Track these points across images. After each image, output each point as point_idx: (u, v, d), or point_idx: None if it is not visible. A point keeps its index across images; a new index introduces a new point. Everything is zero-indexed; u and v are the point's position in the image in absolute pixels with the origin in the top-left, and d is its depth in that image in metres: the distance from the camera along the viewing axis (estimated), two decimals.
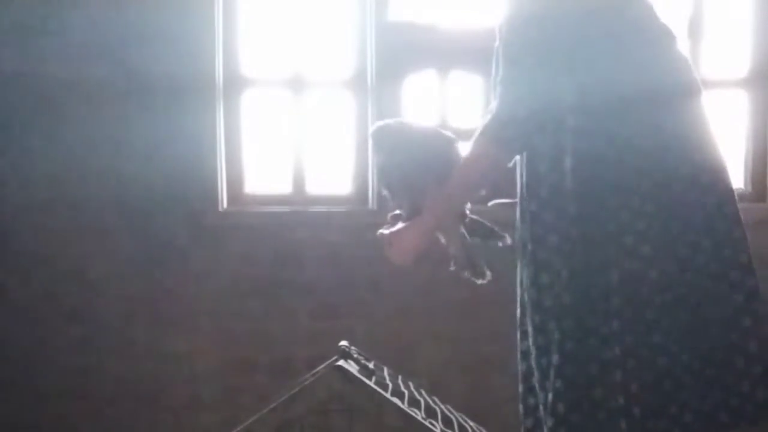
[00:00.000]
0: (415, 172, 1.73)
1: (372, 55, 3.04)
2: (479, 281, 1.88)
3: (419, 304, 3.04)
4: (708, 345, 1.57)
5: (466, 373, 3.05)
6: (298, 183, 3.11)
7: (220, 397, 2.99)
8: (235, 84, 3.05)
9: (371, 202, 3.07)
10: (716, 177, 1.65)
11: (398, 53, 3.05)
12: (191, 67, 2.92)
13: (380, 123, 1.86)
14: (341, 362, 1.54)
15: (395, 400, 1.51)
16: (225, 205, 3.05)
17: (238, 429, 1.51)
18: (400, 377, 1.94)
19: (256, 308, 3.01)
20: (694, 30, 3.08)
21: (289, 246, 3.01)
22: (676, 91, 1.64)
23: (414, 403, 1.64)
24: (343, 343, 1.90)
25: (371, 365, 1.76)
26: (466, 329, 3.06)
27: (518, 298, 1.80)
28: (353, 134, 3.11)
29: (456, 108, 3.16)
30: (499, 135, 1.61)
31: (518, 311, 1.80)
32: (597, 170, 1.58)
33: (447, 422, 1.70)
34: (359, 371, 1.56)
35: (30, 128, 2.92)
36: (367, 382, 1.50)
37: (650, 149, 1.57)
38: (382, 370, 1.87)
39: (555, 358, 1.59)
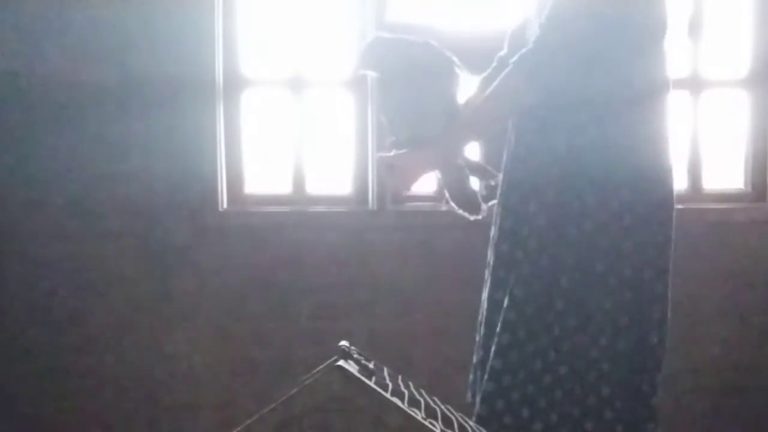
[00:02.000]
0: (415, 95, 1.67)
1: None
2: (473, 217, 1.84)
3: (419, 304, 3.05)
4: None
5: (466, 373, 3.05)
6: (298, 183, 3.11)
7: (220, 397, 2.99)
8: (235, 84, 3.05)
9: (371, 202, 3.07)
10: (659, 179, 1.69)
11: None
12: (191, 67, 2.92)
13: (375, 36, 1.76)
14: (341, 362, 1.54)
15: (395, 400, 1.51)
16: (225, 205, 3.05)
17: (238, 429, 1.50)
18: (400, 377, 1.94)
19: (256, 308, 3.01)
20: (694, 30, 3.08)
21: (289, 246, 3.02)
22: (649, 92, 1.66)
23: (414, 403, 1.64)
24: (343, 343, 1.89)
25: (371, 365, 1.76)
26: (466, 329, 3.06)
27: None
28: (353, 134, 3.11)
29: None
30: (534, 71, 1.57)
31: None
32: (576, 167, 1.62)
33: (447, 422, 1.70)
34: (359, 371, 1.56)
35: (30, 128, 2.92)
36: (367, 382, 1.50)
37: (624, 150, 1.62)
38: (382, 370, 1.87)
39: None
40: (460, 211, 1.81)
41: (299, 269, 3.02)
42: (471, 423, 1.85)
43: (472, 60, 3.15)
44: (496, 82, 1.61)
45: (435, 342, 3.05)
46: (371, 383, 1.51)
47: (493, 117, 1.64)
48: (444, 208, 1.78)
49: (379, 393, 1.48)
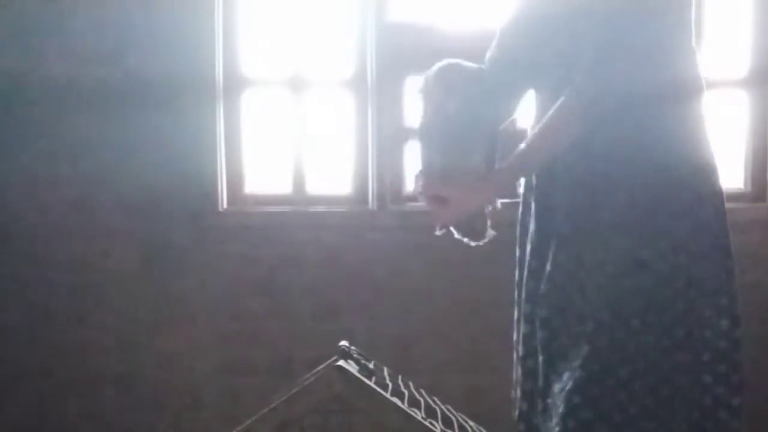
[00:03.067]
0: (465, 123, 1.59)
1: (372, 55, 3.04)
2: (474, 243, 1.75)
3: (419, 304, 3.05)
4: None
5: (466, 373, 3.05)
6: (298, 183, 3.11)
7: (220, 397, 2.99)
8: (235, 84, 3.05)
9: (371, 202, 3.07)
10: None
11: (398, 53, 3.05)
12: (191, 67, 2.92)
13: (446, 63, 1.68)
14: (341, 362, 1.54)
15: (395, 400, 1.51)
16: (225, 205, 3.05)
17: (238, 429, 1.51)
18: (400, 377, 1.94)
19: (256, 308, 3.01)
20: (695, 30, 3.07)
21: (289, 246, 3.01)
22: (691, 88, 1.62)
23: (414, 403, 1.64)
24: (343, 343, 1.90)
25: (371, 365, 1.76)
26: (466, 329, 3.07)
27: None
28: (353, 134, 3.11)
29: None
30: (588, 111, 1.50)
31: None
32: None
33: (447, 422, 1.71)
34: (359, 371, 1.56)
35: (30, 128, 2.92)
36: (367, 382, 1.50)
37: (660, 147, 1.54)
38: (382, 370, 1.87)
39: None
40: (459, 236, 1.72)
41: (299, 269, 3.02)
42: (471, 423, 1.85)
43: (472, 60, 3.16)
44: (550, 114, 1.53)
45: (435, 342, 3.05)
46: (371, 383, 1.51)
47: (549, 154, 1.56)
48: (438, 233, 1.69)
49: (379, 393, 1.49)
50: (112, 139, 2.93)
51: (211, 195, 2.98)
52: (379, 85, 3.03)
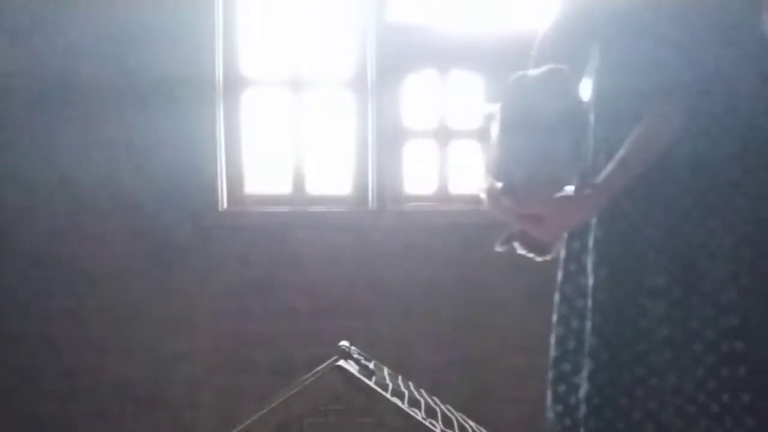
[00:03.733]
0: (550, 133, 1.44)
1: (372, 55, 3.04)
2: (541, 258, 1.60)
3: (419, 304, 3.05)
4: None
5: (466, 373, 3.06)
6: (298, 183, 3.11)
7: (220, 397, 2.99)
8: (235, 84, 3.05)
9: (371, 202, 3.07)
10: None
11: (398, 53, 3.05)
12: (191, 67, 2.92)
13: (522, 73, 1.52)
14: (341, 362, 1.54)
15: (395, 400, 1.51)
16: (225, 205, 3.05)
17: (238, 429, 1.51)
18: (400, 377, 1.94)
19: (256, 308, 3.01)
20: None
21: (289, 246, 3.02)
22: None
23: (414, 403, 1.64)
24: (343, 343, 1.90)
25: (371, 365, 1.76)
26: (466, 329, 3.07)
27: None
28: (353, 134, 3.11)
29: (456, 108, 3.17)
30: (689, 105, 1.40)
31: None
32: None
33: (447, 422, 1.70)
34: (359, 371, 1.56)
35: (30, 128, 2.92)
36: (367, 382, 1.50)
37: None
38: (382, 370, 1.87)
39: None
40: (523, 252, 1.58)
41: (299, 269, 3.02)
42: (471, 423, 1.85)
43: (472, 60, 3.16)
44: (648, 117, 1.42)
45: (435, 342, 3.05)
46: (371, 383, 1.51)
47: (652, 157, 1.43)
48: (499, 248, 1.60)
49: (379, 393, 1.48)
50: (112, 139, 2.94)
51: (211, 195, 2.98)
52: (379, 85, 3.03)
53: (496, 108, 1.50)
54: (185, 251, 2.97)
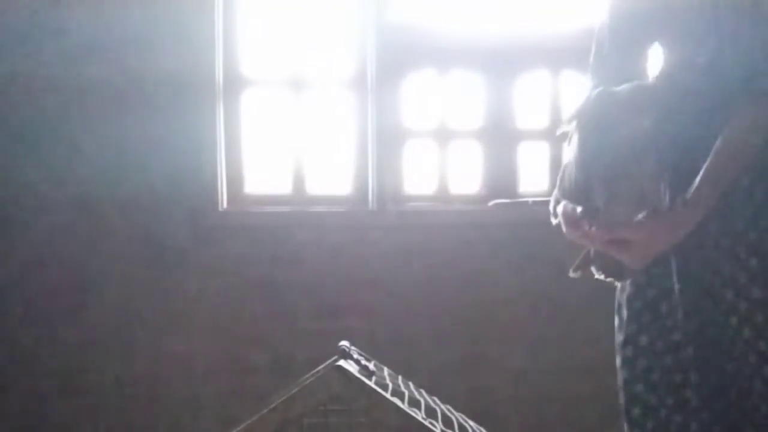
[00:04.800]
0: (637, 155, 1.33)
1: (372, 55, 3.04)
2: (618, 282, 1.52)
3: (419, 304, 3.05)
4: None
5: (466, 373, 3.06)
6: (298, 183, 3.11)
7: (220, 397, 2.99)
8: (235, 84, 3.05)
9: (371, 202, 3.07)
10: None
11: (398, 53, 3.05)
12: (191, 67, 2.92)
13: (604, 89, 1.43)
14: (341, 362, 1.54)
15: (395, 400, 1.51)
16: (225, 205, 3.05)
17: (238, 429, 1.50)
18: (400, 377, 1.94)
19: (256, 308, 3.01)
20: None
21: (289, 246, 3.01)
22: None
23: (414, 403, 1.63)
24: (343, 343, 1.89)
25: (371, 365, 1.76)
26: (466, 329, 3.07)
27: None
28: (353, 134, 3.11)
29: (456, 108, 3.17)
30: None
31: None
32: None
33: (447, 422, 1.70)
34: (359, 371, 1.56)
35: (30, 128, 2.91)
36: (367, 382, 1.50)
37: None
38: (382, 370, 1.87)
39: None
40: (601, 277, 1.47)
41: (299, 269, 3.02)
42: (471, 423, 1.85)
43: (472, 60, 3.17)
44: (739, 122, 1.33)
45: (435, 342, 3.05)
46: (371, 383, 1.51)
47: (744, 162, 1.34)
48: (573, 274, 1.51)
49: (379, 393, 1.48)
50: (113, 139, 2.93)
51: (211, 195, 2.98)
52: (379, 85, 3.03)
53: (572, 126, 1.42)
54: (185, 251, 2.97)
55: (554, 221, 1.45)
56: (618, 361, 1.54)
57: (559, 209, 1.44)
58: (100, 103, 2.92)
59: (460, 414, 1.89)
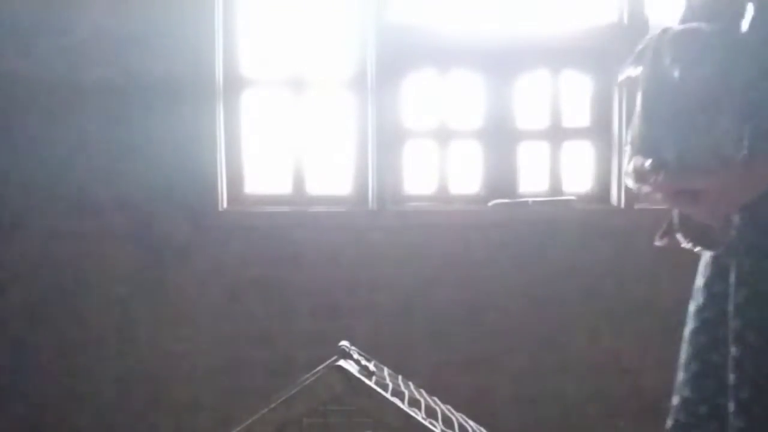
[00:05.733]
0: (705, 107, 1.22)
1: (372, 55, 3.04)
2: (710, 252, 1.39)
3: (419, 304, 3.05)
4: None
5: (466, 373, 3.06)
6: (298, 183, 3.12)
7: (220, 397, 2.99)
8: (235, 84, 3.05)
9: (371, 202, 3.07)
10: None
11: (398, 53, 3.05)
12: (191, 67, 2.92)
13: (666, 27, 1.31)
14: (341, 362, 1.54)
15: (395, 400, 1.51)
16: (225, 205, 3.05)
17: (238, 429, 1.51)
18: (400, 377, 1.94)
19: (256, 308, 3.01)
20: None
21: (289, 246, 3.01)
22: None
23: (414, 403, 1.64)
24: (343, 343, 1.89)
25: (371, 365, 1.76)
26: (466, 329, 3.07)
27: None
28: (353, 134, 3.11)
29: (456, 108, 3.17)
30: None
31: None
32: None
33: (447, 422, 1.70)
34: (359, 371, 1.56)
35: (30, 128, 2.91)
36: (367, 382, 1.50)
37: None
38: (382, 370, 1.87)
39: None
40: (688, 244, 1.36)
41: (299, 269, 3.02)
42: (471, 423, 1.85)
43: (472, 60, 3.16)
44: None
45: (435, 342, 3.05)
46: (371, 383, 1.51)
47: None
48: (658, 243, 1.40)
49: (379, 393, 1.48)
50: (112, 139, 2.93)
51: (211, 195, 2.98)
52: (379, 85, 3.03)
53: (637, 71, 1.31)
54: (185, 251, 2.97)
55: (628, 181, 1.36)
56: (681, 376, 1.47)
57: (629, 166, 1.34)
58: (100, 103, 2.92)
59: (460, 414, 1.89)
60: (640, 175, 1.30)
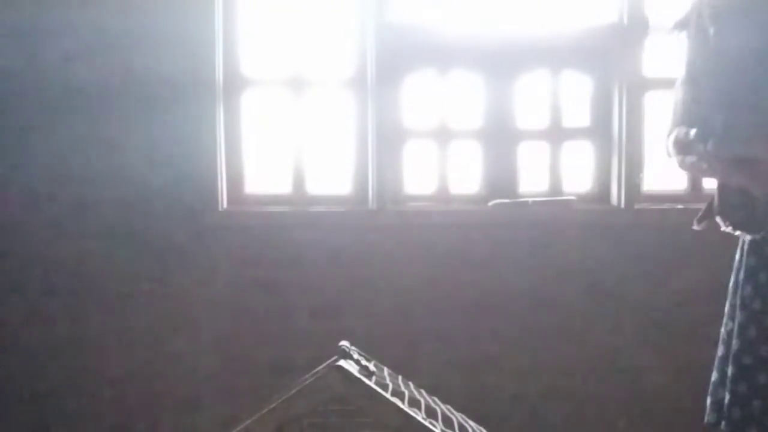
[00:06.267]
0: (757, 74, 1.17)
1: (372, 55, 3.04)
2: (751, 236, 1.32)
3: (419, 304, 3.05)
4: None
5: (466, 373, 3.05)
6: (298, 183, 3.11)
7: (220, 397, 2.99)
8: (235, 84, 3.05)
9: (371, 202, 3.07)
10: None
11: (398, 53, 3.05)
12: (191, 67, 2.92)
13: None
14: (341, 362, 1.54)
15: (395, 400, 1.51)
16: (225, 205, 3.05)
17: (238, 429, 1.51)
18: (400, 377, 1.94)
19: (256, 308, 3.01)
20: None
21: (289, 246, 3.01)
22: None
23: (414, 403, 1.64)
24: (343, 343, 1.90)
25: (371, 365, 1.76)
26: (466, 329, 3.07)
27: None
28: (353, 134, 3.11)
29: (456, 108, 3.17)
30: None
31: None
32: None
33: (447, 422, 1.70)
34: (359, 371, 1.56)
35: (30, 128, 2.91)
36: (367, 382, 1.50)
37: None
38: (382, 370, 1.87)
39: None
40: (728, 228, 1.32)
41: (299, 269, 3.02)
42: (471, 423, 1.85)
43: (472, 60, 3.16)
44: None
45: (435, 342, 3.05)
46: (371, 383, 1.51)
47: None
48: (696, 227, 1.37)
49: (379, 393, 1.48)
50: (112, 139, 2.93)
51: (211, 195, 2.98)
52: (379, 85, 3.03)
53: (682, 36, 1.26)
54: (185, 251, 2.97)
55: (669, 151, 1.29)
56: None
57: (670, 138, 1.26)
58: (100, 103, 2.92)
59: (460, 414, 1.90)
60: (683, 146, 1.24)
